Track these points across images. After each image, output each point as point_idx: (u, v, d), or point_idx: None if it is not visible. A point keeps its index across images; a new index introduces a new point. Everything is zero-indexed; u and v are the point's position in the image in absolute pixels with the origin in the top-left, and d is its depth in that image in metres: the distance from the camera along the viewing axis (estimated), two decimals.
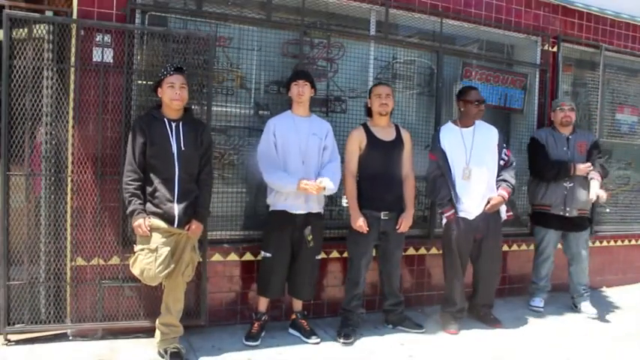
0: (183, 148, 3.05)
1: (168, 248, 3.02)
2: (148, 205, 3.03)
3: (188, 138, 3.08)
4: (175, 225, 3.02)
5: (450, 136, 3.86)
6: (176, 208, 3.01)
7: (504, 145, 3.96)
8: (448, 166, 3.81)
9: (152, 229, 3.00)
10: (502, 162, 3.90)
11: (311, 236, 3.42)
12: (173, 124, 3.07)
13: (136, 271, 3.06)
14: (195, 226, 3.11)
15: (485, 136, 3.90)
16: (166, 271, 3.02)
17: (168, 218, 3.01)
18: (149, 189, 3.03)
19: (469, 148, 3.82)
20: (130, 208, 3.00)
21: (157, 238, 3.01)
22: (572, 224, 4.31)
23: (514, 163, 3.97)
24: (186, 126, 3.11)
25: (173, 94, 3.02)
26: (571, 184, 4.23)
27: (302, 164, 3.41)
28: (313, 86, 3.51)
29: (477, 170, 3.80)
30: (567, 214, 4.25)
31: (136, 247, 3.07)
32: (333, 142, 3.56)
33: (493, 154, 3.88)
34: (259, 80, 3.88)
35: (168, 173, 3.03)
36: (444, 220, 3.86)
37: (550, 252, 4.39)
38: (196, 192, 3.12)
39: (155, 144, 3.02)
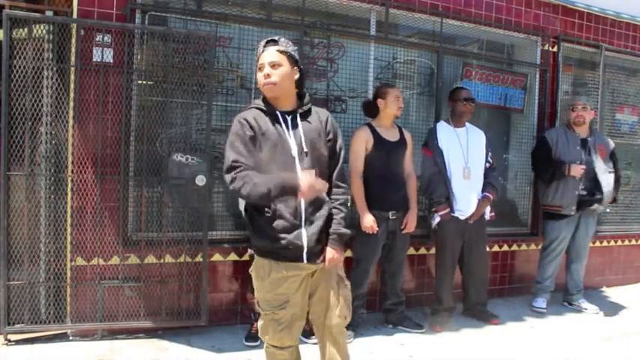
0: (305, 149, 2.22)
1: (303, 301, 2.29)
2: (260, 240, 2.22)
3: (310, 134, 2.25)
4: (305, 260, 2.19)
5: (447, 135, 3.92)
6: (304, 236, 2.17)
7: (489, 149, 4.04)
8: (445, 165, 3.85)
9: (275, 277, 2.22)
10: (488, 164, 3.98)
11: None
12: (288, 118, 2.26)
13: (266, 338, 2.35)
14: (333, 255, 2.24)
15: (477, 137, 3.99)
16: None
17: (293, 252, 2.18)
18: (259, 213, 2.21)
19: (465, 148, 3.88)
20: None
21: (286, 291, 2.23)
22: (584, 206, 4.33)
23: (496, 168, 4.09)
24: (306, 118, 2.30)
25: (261, 78, 2.23)
26: (583, 186, 4.26)
27: None
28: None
29: (474, 170, 3.88)
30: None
31: (260, 307, 2.31)
32: None
33: (483, 156, 3.96)
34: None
35: None
36: (437, 219, 3.89)
37: (560, 251, 4.41)
38: (328, 207, 2.26)
39: (267, 146, 2.19)
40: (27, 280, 3.24)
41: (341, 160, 2.33)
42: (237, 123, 2.21)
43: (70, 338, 3.34)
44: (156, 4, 3.54)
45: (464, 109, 3.93)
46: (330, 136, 2.31)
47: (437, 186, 3.84)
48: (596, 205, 4.32)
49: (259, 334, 2.38)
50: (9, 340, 3.22)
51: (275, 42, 2.26)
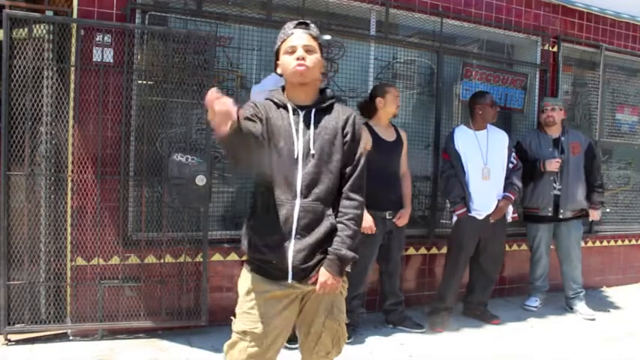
0: (312, 150, 1.90)
1: (285, 326, 1.95)
2: (247, 245, 2.01)
3: (324, 134, 1.92)
4: (290, 279, 1.88)
5: (465, 138, 3.95)
6: (290, 252, 1.86)
7: (513, 149, 4.06)
8: (462, 167, 3.89)
9: (256, 293, 1.93)
10: (511, 165, 4.00)
11: None
12: (301, 113, 1.94)
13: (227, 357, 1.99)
14: (326, 280, 1.87)
15: (498, 139, 4.01)
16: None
17: (277, 268, 1.89)
18: (250, 217, 2.03)
19: (485, 150, 3.91)
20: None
21: (265, 310, 1.90)
22: (563, 221, 4.34)
23: (521, 167, 4.05)
24: (324, 115, 1.96)
25: (291, 61, 1.91)
26: (560, 186, 4.26)
27: None
28: None
29: (494, 170, 3.91)
30: (561, 216, 4.29)
31: (234, 324, 1.95)
32: None
33: (504, 157, 3.98)
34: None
35: (286, 190, 1.88)
36: (454, 219, 3.94)
37: (543, 251, 4.41)
38: (331, 223, 1.89)
39: (270, 143, 1.90)
40: (27, 280, 3.24)
41: (359, 169, 1.95)
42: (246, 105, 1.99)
43: (70, 338, 3.34)
44: (156, 4, 3.54)
45: (494, 112, 3.98)
46: (347, 138, 1.94)
47: (454, 187, 3.90)
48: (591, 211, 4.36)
49: (224, 351, 1.99)
50: (9, 340, 3.22)
51: (307, 25, 1.97)
